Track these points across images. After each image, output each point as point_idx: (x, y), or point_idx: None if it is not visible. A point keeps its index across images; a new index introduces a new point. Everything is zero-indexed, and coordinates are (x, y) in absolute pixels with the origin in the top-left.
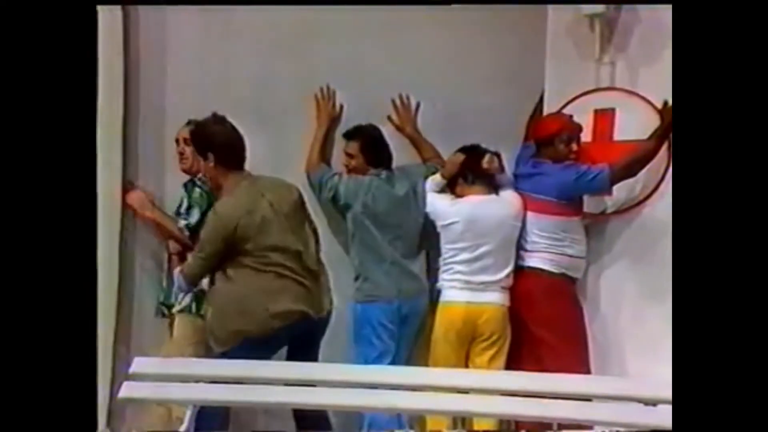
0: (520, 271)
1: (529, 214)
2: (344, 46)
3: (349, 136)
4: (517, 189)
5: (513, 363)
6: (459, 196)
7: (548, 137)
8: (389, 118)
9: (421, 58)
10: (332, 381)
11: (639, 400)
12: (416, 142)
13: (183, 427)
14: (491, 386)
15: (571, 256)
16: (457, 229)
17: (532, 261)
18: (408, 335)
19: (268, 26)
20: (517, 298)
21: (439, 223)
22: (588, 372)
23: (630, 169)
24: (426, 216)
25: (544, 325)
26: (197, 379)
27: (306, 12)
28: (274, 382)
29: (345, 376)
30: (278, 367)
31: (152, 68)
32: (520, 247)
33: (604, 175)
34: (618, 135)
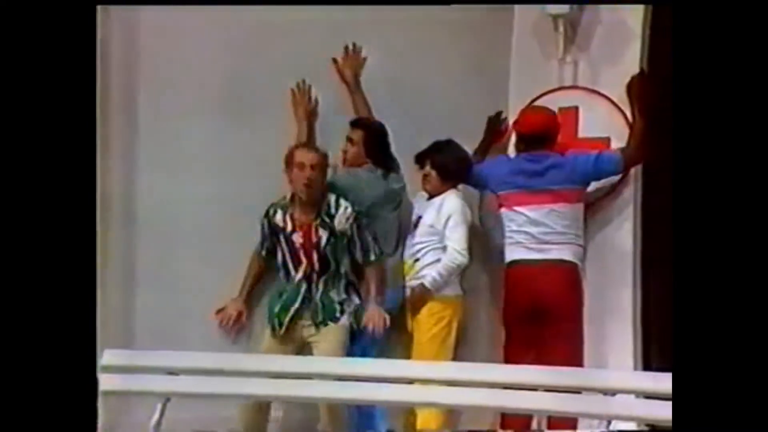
0: (543, 263)
1: (552, 207)
2: (315, 43)
3: (354, 123)
4: (526, 188)
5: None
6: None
7: (549, 132)
8: (334, 60)
9: (390, 55)
10: (313, 373)
11: (598, 390)
12: (353, 92)
13: (153, 420)
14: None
15: (581, 246)
16: None
17: (561, 253)
18: None
19: (240, 24)
20: (541, 291)
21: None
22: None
23: (638, 151)
24: None
25: (563, 317)
26: (169, 371)
27: (278, 11)
28: (251, 375)
29: (323, 368)
30: (252, 360)
31: (124, 67)
32: (541, 240)
33: (619, 158)
34: (582, 132)
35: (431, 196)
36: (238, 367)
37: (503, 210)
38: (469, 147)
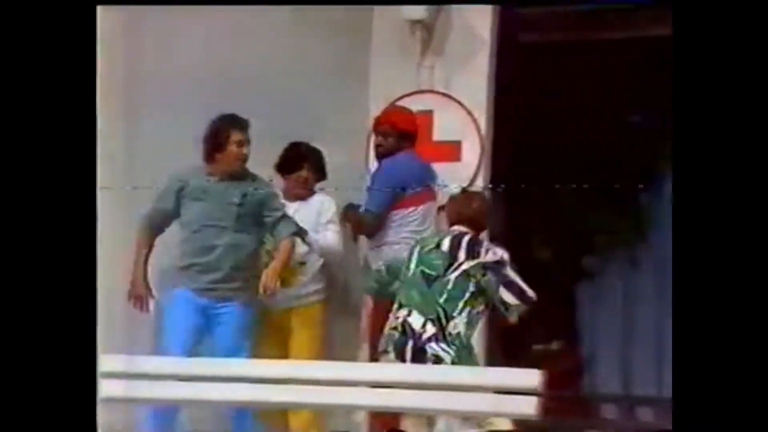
0: None
1: (431, 204)
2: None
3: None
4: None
5: None
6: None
7: (416, 131)
8: None
9: (249, 55)
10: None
11: (502, 390)
12: None
13: None
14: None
15: None
16: None
17: None
18: None
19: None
20: None
21: None
22: None
23: None
24: None
25: None
26: (166, 377)
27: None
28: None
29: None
30: (246, 365)
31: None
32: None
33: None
34: (436, 136)
35: (297, 200)
36: (236, 373)
37: (401, 211)
38: (330, 148)
